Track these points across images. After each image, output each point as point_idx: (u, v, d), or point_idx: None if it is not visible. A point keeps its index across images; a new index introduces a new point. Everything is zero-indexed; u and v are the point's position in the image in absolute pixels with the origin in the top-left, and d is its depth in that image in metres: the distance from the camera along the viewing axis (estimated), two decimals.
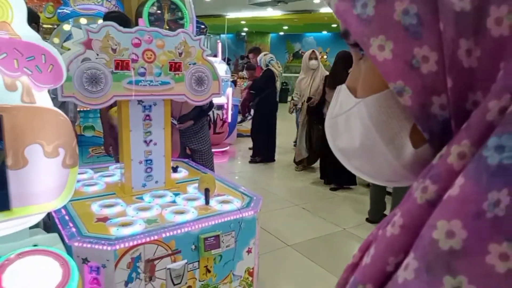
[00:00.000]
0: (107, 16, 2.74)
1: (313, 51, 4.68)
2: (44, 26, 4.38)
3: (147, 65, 1.71)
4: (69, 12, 4.14)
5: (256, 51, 5.90)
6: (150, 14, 4.33)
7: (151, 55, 1.72)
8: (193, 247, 1.51)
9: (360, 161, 0.37)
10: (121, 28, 1.64)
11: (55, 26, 4.20)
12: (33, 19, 2.36)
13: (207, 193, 1.72)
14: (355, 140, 0.35)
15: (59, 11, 4.25)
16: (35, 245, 1.18)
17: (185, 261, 1.49)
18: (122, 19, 2.77)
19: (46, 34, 4.31)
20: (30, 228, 1.26)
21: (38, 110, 1.18)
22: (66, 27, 3.93)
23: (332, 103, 0.40)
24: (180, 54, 1.79)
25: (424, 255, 0.24)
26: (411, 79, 0.28)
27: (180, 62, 1.80)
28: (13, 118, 1.13)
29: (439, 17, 0.26)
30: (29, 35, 1.16)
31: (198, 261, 1.54)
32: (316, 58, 4.60)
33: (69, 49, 1.57)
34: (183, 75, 1.81)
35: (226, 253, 1.61)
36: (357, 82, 0.36)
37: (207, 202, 1.70)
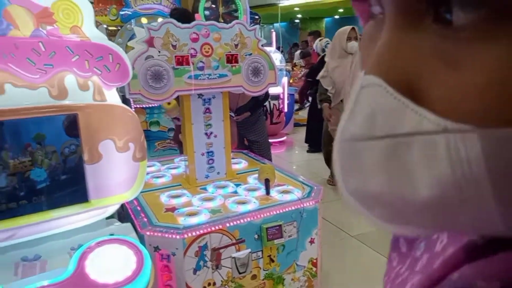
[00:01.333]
0: (171, 13, 2.87)
1: (352, 28, 3.24)
2: (109, 28, 4.67)
3: (205, 59, 1.74)
4: (130, 13, 4.35)
5: (316, 34, 5.75)
6: (205, 9, 4.41)
7: (208, 48, 1.74)
8: (256, 236, 1.52)
9: (415, 219, 0.22)
10: (179, 24, 1.68)
11: (119, 28, 4.45)
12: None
13: (267, 183, 1.72)
14: (420, 188, 0.20)
15: (121, 13, 4.48)
16: (111, 234, 1.27)
17: (249, 250, 1.51)
18: (185, 15, 2.87)
19: (111, 36, 4.58)
20: (106, 218, 1.36)
21: (109, 107, 1.25)
22: (129, 27, 4.14)
23: (346, 113, 0.23)
24: (236, 45, 1.80)
25: None
26: None
27: (237, 54, 1.81)
28: (87, 116, 1.21)
29: None
30: (97, 36, 1.24)
31: (262, 251, 1.55)
32: (356, 39, 3.22)
33: (133, 48, 1.65)
34: (240, 66, 1.82)
35: (289, 243, 1.61)
36: (425, 77, 0.20)
37: (267, 192, 1.71)
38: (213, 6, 4.05)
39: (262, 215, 1.53)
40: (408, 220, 0.22)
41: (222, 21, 4.14)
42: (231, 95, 2.00)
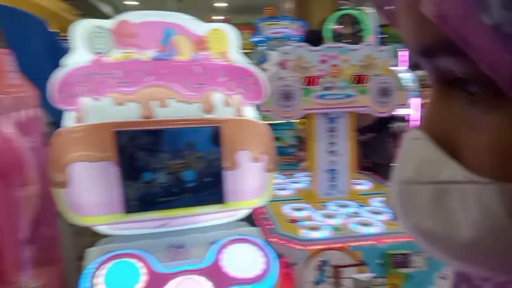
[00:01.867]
0: (306, 35, 3.12)
1: None
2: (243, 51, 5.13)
3: (333, 80, 1.80)
4: (261, 38, 4.75)
5: None
6: (332, 31, 4.49)
7: (336, 70, 1.80)
8: (379, 262, 1.47)
9: (461, 255, 0.24)
10: (310, 47, 1.79)
11: (251, 51, 4.89)
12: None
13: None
14: (460, 231, 0.22)
15: (253, 39, 4.89)
16: (242, 235, 1.39)
17: (373, 274, 1.47)
18: (316, 35, 3.05)
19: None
20: (238, 221, 1.49)
21: (247, 122, 1.40)
22: (259, 50, 4.53)
23: (401, 158, 0.27)
24: (365, 66, 1.82)
25: None
26: None
27: (365, 75, 1.82)
28: (229, 129, 1.37)
29: None
30: (241, 60, 1.41)
31: (386, 277, 1.49)
32: None
33: (266, 70, 1.81)
34: (367, 87, 1.83)
35: (417, 275, 1.50)
36: (459, 136, 0.23)
37: (396, 218, 1.64)
38: (340, 27, 4.12)
39: (388, 240, 1.48)
40: (462, 258, 0.25)
41: (349, 41, 4.15)
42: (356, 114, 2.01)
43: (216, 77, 1.36)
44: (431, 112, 0.25)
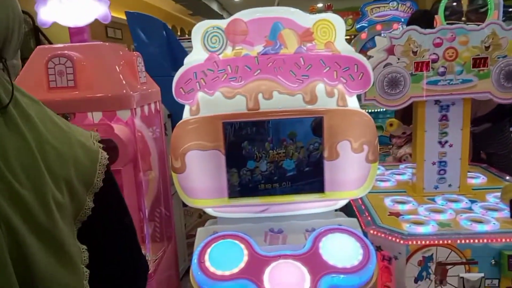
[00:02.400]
0: (411, 17, 2.83)
1: None
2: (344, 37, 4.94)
3: (448, 64, 1.65)
4: (365, 24, 4.49)
5: None
6: (445, 9, 4.03)
7: (452, 53, 1.65)
8: (492, 261, 1.36)
9: None
10: (423, 30, 1.66)
11: (353, 37, 4.67)
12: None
13: None
14: None
15: (357, 26, 4.65)
16: (339, 225, 1.41)
17: (482, 274, 1.36)
18: (425, 16, 2.78)
19: None
20: (335, 211, 1.52)
21: (349, 112, 1.40)
22: (363, 36, 4.30)
23: None
24: (487, 48, 1.62)
25: None
26: None
27: (487, 57, 1.63)
28: (330, 119, 1.38)
29: None
30: (347, 49, 1.39)
31: (499, 279, 1.37)
32: None
33: (371, 57, 1.74)
34: (489, 70, 1.63)
35: None
36: None
37: None
38: (454, 4, 3.66)
39: (503, 240, 1.35)
40: None
41: (465, 19, 3.69)
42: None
43: (320, 67, 1.38)
44: None
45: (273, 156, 1.42)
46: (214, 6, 9.96)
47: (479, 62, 1.64)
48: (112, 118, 1.19)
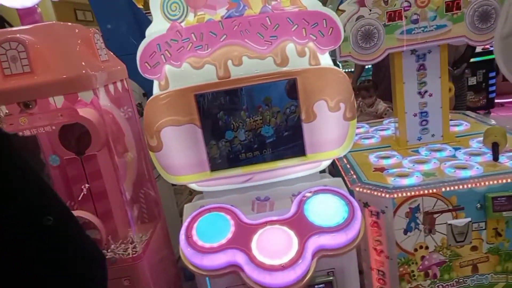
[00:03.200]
0: None
1: None
2: None
3: (421, 11, 1.60)
4: None
5: None
6: None
7: None
8: (478, 205, 1.36)
9: None
10: None
11: None
12: None
13: (495, 147, 1.48)
14: None
15: None
16: (325, 185, 1.40)
17: (469, 219, 1.37)
18: None
19: (323, 4, 4.75)
20: (320, 172, 1.50)
21: (323, 71, 1.35)
22: None
23: (500, 21, 0.36)
24: None
25: None
26: None
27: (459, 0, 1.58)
28: (304, 80, 1.34)
29: None
30: (313, 3, 1.33)
31: (485, 222, 1.38)
32: None
33: (343, 11, 1.68)
34: (463, 13, 1.59)
35: None
36: None
37: (495, 158, 1.47)
38: None
39: (487, 183, 1.35)
40: None
41: None
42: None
43: (288, 26, 1.32)
44: None
45: (251, 124, 1.39)
46: None
47: (452, 6, 1.59)
48: (75, 101, 1.13)
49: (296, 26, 1.32)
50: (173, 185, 2.23)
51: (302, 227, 1.21)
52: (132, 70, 1.47)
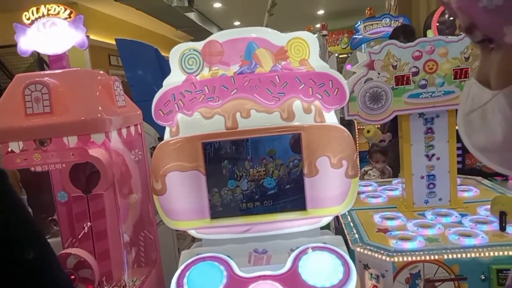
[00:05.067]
0: (392, 32, 2.92)
1: None
2: (340, 56, 5.03)
3: (429, 76, 1.66)
4: (360, 39, 4.56)
5: None
6: (440, 23, 4.10)
7: (433, 65, 1.65)
8: (482, 277, 1.31)
9: (503, 156, 0.37)
10: (401, 44, 1.67)
11: (349, 55, 4.74)
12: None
13: (502, 217, 1.44)
14: (497, 134, 0.35)
15: (352, 39, 4.74)
16: (324, 243, 1.38)
17: None
18: (404, 30, 2.88)
19: (342, 63, 4.95)
20: (321, 228, 1.49)
21: (327, 128, 1.39)
22: (358, 53, 4.36)
23: (463, 100, 0.41)
24: (467, 59, 1.63)
25: None
26: None
27: (467, 68, 1.63)
28: (308, 135, 1.38)
29: None
30: (320, 65, 1.40)
31: None
32: None
33: (354, 73, 1.76)
34: None
35: None
36: (488, 75, 0.37)
37: (502, 228, 1.43)
38: (450, 18, 3.71)
39: (492, 254, 1.31)
40: (502, 160, 0.37)
41: (458, 32, 3.73)
42: None
43: (296, 85, 1.39)
44: (478, 67, 0.39)
45: (254, 175, 1.42)
46: (215, 30, 10.24)
47: (460, 73, 1.63)
48: (87, 142, 1.20)
49: (303, 85, 1.38)
50: (176, 230, 2.24)
51: (295, 285, 1.18)
52: (151, 115, 1.57)
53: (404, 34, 2.89)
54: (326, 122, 1.41)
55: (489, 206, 1.57)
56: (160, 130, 2.15)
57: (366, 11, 5.00)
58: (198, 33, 9.51)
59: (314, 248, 1.30)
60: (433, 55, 1.65)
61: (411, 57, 1.66)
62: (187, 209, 1.38)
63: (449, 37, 1.69)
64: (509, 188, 2.06)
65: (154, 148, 2.21)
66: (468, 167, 2.56)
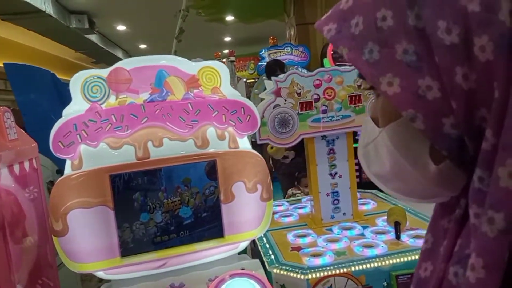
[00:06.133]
0: (268, 66, 3.53)
1: None
2: (248, 81, 5.23)
3: (328, 102, 1.81)
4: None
5: None
6: (334, 52, 4.56)
7: (331, 92, 1.82)
8: (385, 284, 1.44)
9: (395, 183, 0.42)
10: (303, 73, 1.81)
11: (256, 80, 4.95)
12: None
13: (397, 226, 1.63)
14: (386, 165, 0.41)
15: (258, 65, 4.98)
16: (242, 269, 1.39)
17: None
18: (278, 63, 3.42)
19: (250, 87, 5.14)
20: (239, 253, 1.50)
21: (242, 154, 1.42)
22: (264, 78, 4.60)
23: (362, 134, 0.46)
24: (359, 86, 1.82)
25: None
26: (420, 106, 0.33)
27: (360, 94, 1.83)
28: (224, 162, 1.39)
29: (434, 52, 0.31)
30: (232, 93, 1.44)
31: None
32: None
33: (263, 99, 1.84)
34: (364, 106, 1.83)
35: None
36: (377, 114, 0.43)
37: (397, 237, 1.61)
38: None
39: (391, 261, 1.45)
40: (394, 188, 0.43)
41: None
42: None
43: (209, 112, 1.40)
44: (372, 105, 0.46)
45: (168, 205, 1.37)
46: (119, 54, 9.74)
47: (354, 99, 1.82)
48: None
49: (216, 112, 1.40)
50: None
51: None
52: (47, 146, 1.41)
53: (280, 67, 3.37)
54: (240, 148, 1.44)
55: (385, 217, 1.76)
56: (59, 161, 1.95)
57: (270, 40, 5.31)
58: (100, 56, 8.95)
59: (232, 276, 1.29)
60: (331, 83, 1.82)
61: (313, 85, 1.81)
62: (93, 249, 1.26)
63: (343, 67, 1.88)
64: (399, 199, 2.33)
65: (51, 182, 1.99)
66: (364, 181, 2.83)
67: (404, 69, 0.33)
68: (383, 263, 1.45)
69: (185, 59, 1.43)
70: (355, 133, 1.91)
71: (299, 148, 2.82)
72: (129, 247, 1.29)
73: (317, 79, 1.81)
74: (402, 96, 0.33)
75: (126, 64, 1.35)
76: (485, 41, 0.29)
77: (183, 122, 1.37)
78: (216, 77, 1.43)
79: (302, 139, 1.84)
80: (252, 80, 5.33)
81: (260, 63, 5.01)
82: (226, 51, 10.47)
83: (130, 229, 1.30)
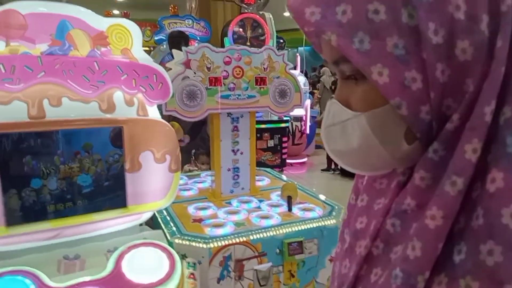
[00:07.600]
0: (171, 35, 3.49)
1: None
2: (143, 48, 4.92)
3: (236, 81, 1.86)
4: (163, 37, 4.59)
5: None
6: (234, 33, 4.61)
7: (239, 71, 1.87)
8: (277, 251, 1.59)
9: (353, 159, 0.46)
10: (215, 48, 1.81)
11: (152, 48, 4.69)
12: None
13: (290, 200, 1.79)
14: (353, 144, 0.44)
15: (156, 38, 4.72)
16: (144, 239, 1.36)
17: (270, 263, 1.58)
18: (181, 36, 3.41)
19: None
20: (140, 225, 1.46)
21: (151, 122, 1.37)
22: (162, 48, 4.38)
23: (325, 115, 0.49)
24: (265, 69, 1.92)
25: (504, 240, 0.31)
26: (405, 95, 0.37)
27: (265, 77, 1.92)
28: (131, 129, 1.33)
29: (421, 48, 0.36)
30: (144, 57, 1.37)
31: (283, 265, 1.61)
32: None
33: (170, 69, 1.78)
34: (268, 88, 1.93)
35: (309, 260, 1.66)
36: (348, 99, 0.44)
37: (290, 209, 1.78)
38: (241, 30, 4.23)
39: (284, 231, 1.60)
40: (355, 162, 0.46)
41: (249, 44, 4.33)
42: None
43: (117, 74, 1.30)
44: (339, 90, 0.46)
45: (65, 172, 1.25)
46: None
47: (260, 81, 1.91)
48: None
49: (126, 75, 1.32)
50: None
51: (120, 286, 1.13)
52: None
53: (184, 40, 3.31)
54: (149, 117, 1.39)
55: (279, 192, 1.92)
56: None
57: (170, 8, 5.07)
58: None
59: (136, 245, 1.27)
60: (240, 62, 1.87)
61: (223, 62, 1.83)
62: None
63: (253, 48, 1.95)
64: (286, 176, 2.55)
65: None
66: (256, 160, 3.00)
67: (393, 61, 0.36)
68: (278, 232, 1.59)
69: (93, 12, 1.30)
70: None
71: (194, 133, 2.83)
72: (16, 215, 1.15)
73: (227, 56, 1.83)
74: (391, 86, 0.37)
75: (22, 7, 1.16)
76: (467, 45, 0.35)
77: (87, 82, 1.25)
78: (128, 37, 1.34)
79: (200, 126, 1.86)
80: (147, 49, 5.03)
81: (157, 34, 4.77)
82: (116, 12, 9.60)
83: (18, 195, 1.15)
